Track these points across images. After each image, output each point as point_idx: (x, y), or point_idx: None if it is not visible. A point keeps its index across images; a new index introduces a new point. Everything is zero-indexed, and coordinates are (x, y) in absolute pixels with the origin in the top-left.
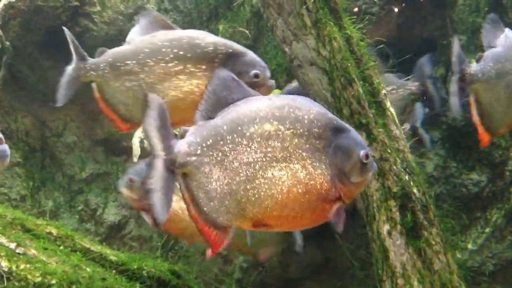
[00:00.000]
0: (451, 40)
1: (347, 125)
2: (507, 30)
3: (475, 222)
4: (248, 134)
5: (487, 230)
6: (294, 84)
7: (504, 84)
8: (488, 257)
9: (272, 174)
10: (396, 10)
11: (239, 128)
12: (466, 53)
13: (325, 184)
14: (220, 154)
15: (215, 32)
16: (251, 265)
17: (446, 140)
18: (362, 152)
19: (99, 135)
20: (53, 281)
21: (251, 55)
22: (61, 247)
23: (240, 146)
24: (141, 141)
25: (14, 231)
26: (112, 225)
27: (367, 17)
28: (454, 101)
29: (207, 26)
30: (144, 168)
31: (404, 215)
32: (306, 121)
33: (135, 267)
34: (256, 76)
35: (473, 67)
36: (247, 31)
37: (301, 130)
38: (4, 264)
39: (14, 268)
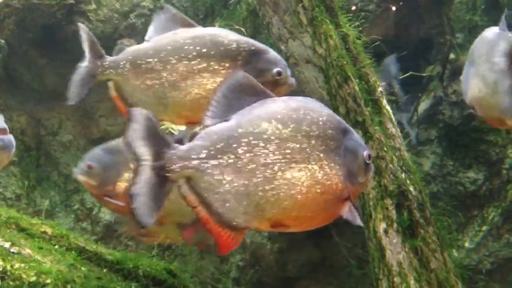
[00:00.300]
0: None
1: (350, 127)
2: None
3: (472, 220)
4: (265, 136)
5: (484, 228)
6: None
7: None
8: (485, 255)
9: (292, 175)
10: (393, 8)
11: (256, 131)
12: (463, 51)
13: (340, 184)
14: (233, 156)
15: None
16: (248, 263)
17: (443, 138)
18: (365, 153)
19: (94, 134)
20: (48, 280)
21: (272, 53)
22: (56, 246)
23: (257, 148)
24: None
25: (8, 230)
26: (108, 224)
27: (362, 14)
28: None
29: (203, 24)
30: (102, 153)
31: (400, 214)
32: (321, 123)
33: (131, 266)
34: (279, 74)
35: None
36: (243, 29)
37: (317, 132)
38: None
39: (8, 267)
